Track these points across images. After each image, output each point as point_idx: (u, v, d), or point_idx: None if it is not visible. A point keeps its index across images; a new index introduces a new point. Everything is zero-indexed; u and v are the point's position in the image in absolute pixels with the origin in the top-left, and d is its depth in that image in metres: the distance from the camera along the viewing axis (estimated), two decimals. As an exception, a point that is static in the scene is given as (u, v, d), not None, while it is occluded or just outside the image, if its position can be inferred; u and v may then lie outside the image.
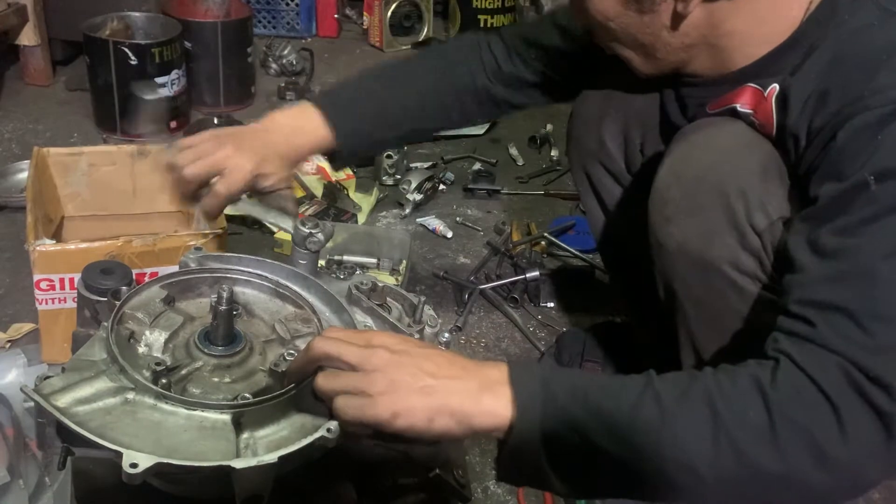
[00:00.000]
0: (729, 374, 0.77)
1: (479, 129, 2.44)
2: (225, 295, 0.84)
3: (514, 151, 2.35)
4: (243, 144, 1.09)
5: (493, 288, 1.71)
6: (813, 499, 0.77)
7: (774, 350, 0.78)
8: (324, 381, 0.78)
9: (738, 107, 0.99)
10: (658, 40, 1.00)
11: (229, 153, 1.07)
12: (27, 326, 1.48)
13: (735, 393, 0.74)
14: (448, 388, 0.76)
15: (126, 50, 2.15)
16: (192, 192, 1.08)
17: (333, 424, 0.79)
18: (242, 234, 1.83)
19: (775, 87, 0.95)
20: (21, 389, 0.75)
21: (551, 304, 1.70)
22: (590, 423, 0.75)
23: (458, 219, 2.00)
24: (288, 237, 1.07)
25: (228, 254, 1.02)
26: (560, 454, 0.76)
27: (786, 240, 0.88)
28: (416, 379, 0.75)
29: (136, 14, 2.38)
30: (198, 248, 1.00)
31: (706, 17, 0.96)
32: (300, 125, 1.17)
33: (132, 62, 2.16)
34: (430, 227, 1.94)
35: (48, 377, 0.78)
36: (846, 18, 0.90)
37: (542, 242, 1.88)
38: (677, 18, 0.97)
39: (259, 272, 0.98)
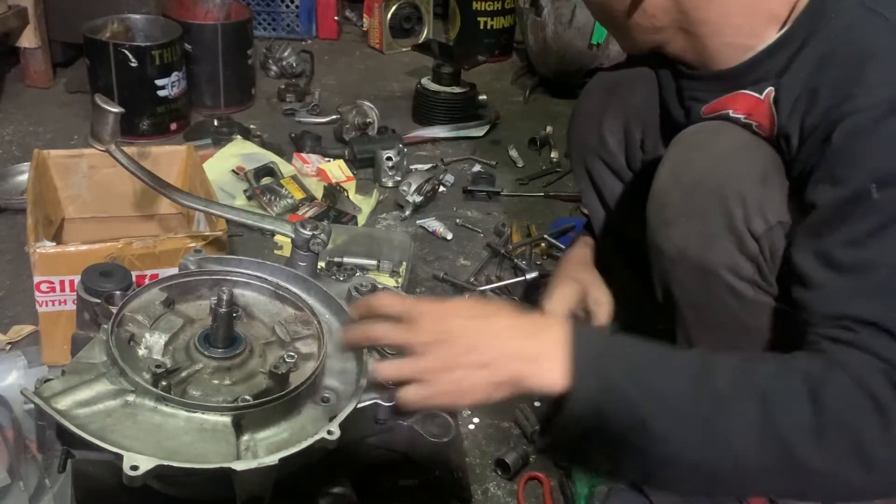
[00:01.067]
0: (781, 370, 0.78)
1: (479, 131, 2.45)
2: (225, 297, 0.84)
3: (514, 153, 2.35)
4: None
5: (493, 290, 1.70)
6: (850, 496, 0.79)
7: (819, 351, 0.80)
8: (383, 372, 0.82)
9: (731, 112, 1.00)
10: (626, 21, 1.04)
11: None
12: (27, 328, 1.47)
13: (786, 391, 0.76)
14: (505, 357, 0.78)
15: (126, 52, 2.15)
16: None
17: (333, 426, 0.80)
18: (243, 236, 1.83)
19: (771, 89, 0.95)
20: (21, 392, 0.75)
21: (551, 306, 1.70)
22: (644, 405, 0.76)
23: (458, 220, 2.00)
24: (287, 239, 1.07)
25: (228, 256, 1.03)
26: (608, 434, 0.78)
27: (791, 254, 0.89)
28: (470, 354, 0.78)
29: (137, 16, 2.38)
30: (197, 251, 1.00)
31: (672, 3, 0.99)
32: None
33: (132, 64, 2.16)
34: (431, 229, 1.94)
35: (48, 380, 0.78)
36: (833, 17, 0.91)
37: (542, 244, 1.88)
38: (635, 2, 1.01)
39: (259, 274, 0.98)
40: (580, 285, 1.27)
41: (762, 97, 0.96)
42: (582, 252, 1.35)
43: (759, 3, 0.96)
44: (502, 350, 0.79)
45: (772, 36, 0.96)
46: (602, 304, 1.25)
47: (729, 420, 0.76)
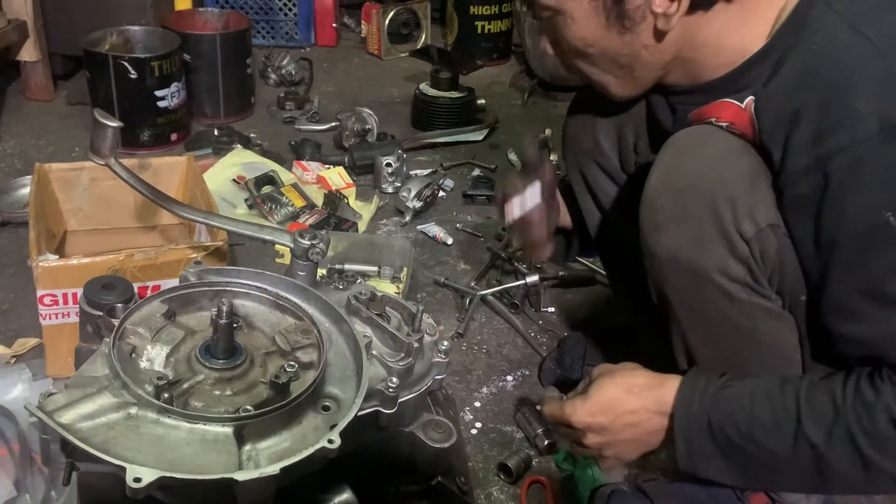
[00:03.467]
0: (865, 408, 0.91)
1: (478, 135, 2.46)
2: (225, 308, 0.85)
3: (513, 157, 2.36)
4: None
5: (493, 294, 1.71)
6: None
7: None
8: (579, 451, 1.12)
9: (714, 121, 1.00)
10: (636, 60, 1.04)
11: None
12: (31, 341, 1.49)
13: (874, 429, 0.90)
14: (637, 441, 1.06)
15: (125, 64, 2.17)
16: None
17: (334, 435, 0.80)
18: (245, 245, 1.84)
19: (752, 98, 0.96)
20: (25, 407, 0.76)
21: (552, 309, 1.71)
22: (752, 458, 0.98)
23: (458, 225, 2.01)
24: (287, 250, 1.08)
25: (228, 267, 1.03)
26: (714, 472, 1.01)
27: (825, 288, 0.95)
28: (620, 447, 1.06)
29: (136, 28, 2.40)
30: (198, 262, 1.01)
31: (682, 30, 0.99)
32: None
33: (132, 76, 2.18)
34: (431, 234, 1.95)
35: (52, 394, 0.79)
36: (815, 30, 0.92)
37: (543, 247, 1.88)
38: (658, 35, 1.00)
39: (259, 284, 0.98)
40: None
41: (743, 106, 0.97)
42: None
43: (749, 20, 0.98)
44: (637, 439, 1.06)
45: (756, 48, 0.98)
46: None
47: (830, 468, 0.93)
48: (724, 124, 1.00)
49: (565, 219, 1.39)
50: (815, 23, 0.92)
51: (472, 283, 1.76)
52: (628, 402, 1.03)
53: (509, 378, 1.50)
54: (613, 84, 1.10)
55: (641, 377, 1.05)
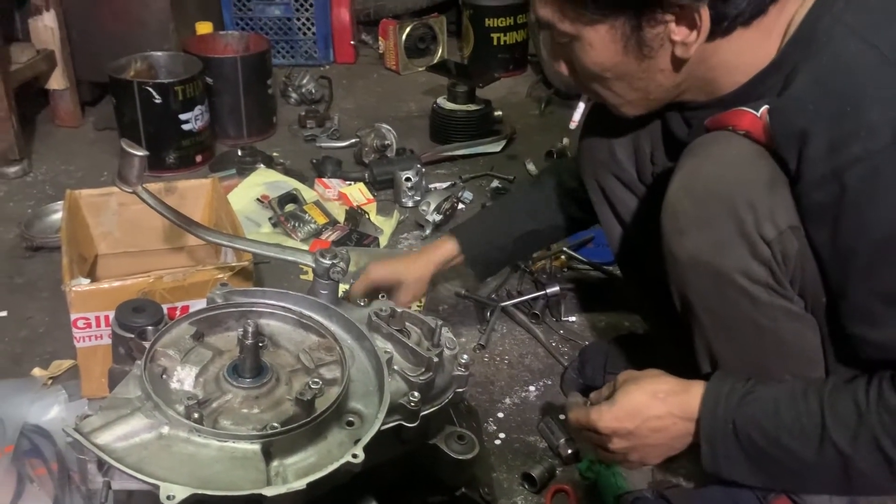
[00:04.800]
0: (889, 412, 0.93)
1: (496, 147, 2.48)
2: (251, 329, 0.88)
3: (531, 167, 2.38)
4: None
5: (514, 304, 1.73)
6: None
7: None
8: (604, 456, 1.13)
9: (732, 129, 1.02)
10: (651, 83, 1.05)
11: None
12: (67, 363, 1.53)
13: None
14: (663, 445, 1.08)
15: (150, 89, 2.22)
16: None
17: (358, 449, 0.83)
18: (270, 263, 1.88)
19: (766, 107, 0.97)
20: (63, 429, 0.80)
21: (573, 319, 1.72)
22: (777, 462, 1.00)
23: (478, 237, 2.03)
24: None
25: (253, 288, 1.07)
26: (739, 475, 1.04)
27: (843, 292, 0.97)
28: (645, 452, 1.08)
29: (159, 53, 2.46)
30: (224, 284, 1.04)
31: (700, 55, 1.00)
32: (434, 246, 1.54)
33: (156, 100, 2.24)
34: (451, 247, 1.97)
35: (88, 416, 0.82)
36: (824, 43, 0.93)
37: (562, 256, 1.90)
38: (676, 62, 1.01)
39: (282, 304, 1.02)
40: (396, 264, 1.49)
41: (758, 115, 0.98)
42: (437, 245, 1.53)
43: (764, 38, 0.99)
44: (663, 443, 1.07)
45: (767, 61, 1.00)
46: (403, 287, 1.46)
47: (856, 471, 0.95)
48: (741, 133, 1.01)
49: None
50: (825, 35, 0.94)
51: (493, 295, 1.78)
52: (654, 408, 1.05)
53: (532, 388, 1.52)
54: (627, 105, 1.12)
55: (666, 383, 1.07)
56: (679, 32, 0.97)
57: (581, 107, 1.27)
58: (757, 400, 1.00)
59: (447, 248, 1.51)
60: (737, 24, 0.98)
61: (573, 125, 1.29)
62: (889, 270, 0.91)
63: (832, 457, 0.95)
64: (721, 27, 0.97)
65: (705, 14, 0.95)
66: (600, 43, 1.01)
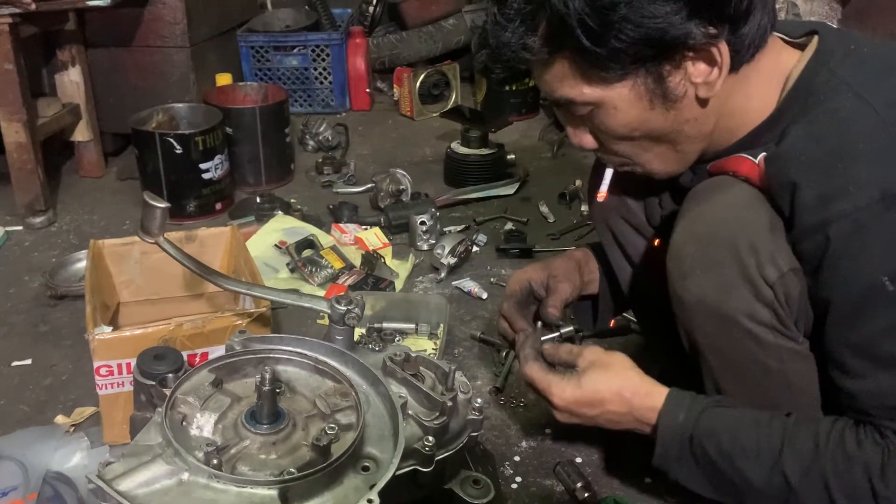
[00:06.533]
0: (844, 458, 0.95)
1: (510, 189, 2.51)
2: (268, 376, 0.90)
3: (544, 209, 2.41)
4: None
5: (529, 346, 1.73)
6: None
7: (879, 438, 0.95)
8: (561, 418, 1.19)
9: (733, 174, 1.04)
10: (681, 135, 1.07)
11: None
12: (89, 410, 1.55)
13: (849, 479, 0.95)
14: (609, 428, 1.15)
15: (171, 140, 2.29)
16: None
17: (373, 494, 0.84)
18: (287, 308, 1.90)
19: (764, 154, 1.00)
20: (86, 476, 0.82)
21: (588, 360, 1.72)
22: (725, 477, 1.03)
23: (492, 279, 2.05)
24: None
25: (270, 335, 1.09)
26: (685, 478, 1.08)
27: (825, 342, 1.00)
28: (591, 424, 1.16)
29: (180, 105, 2.54)
30: (242, 332, 1.07)
31: (719, 97, 1.03)
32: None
33: (177, 151, 2.30)
34: (466, 290, 1.99)
35: (110, 463, 0.84)
36: (821, 99, 0.97)
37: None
38: (702, 104, 1.04)
39: (299, 350, 1.04)
40: (547, 266, 1.44)
41: (757, 161, 1.01)
42: (571, 253, 1.50)
43: (766, 83, 1.04)
44: (614, 423, 1.14)
45: (767, 113, 1.04)
46: (560, 281, 1.41)
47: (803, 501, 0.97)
48: (742, 178, 1.04)
49: (592, 286, 1.44)
50: (822, 90, 0.97)
51: (509, 337, 1.79)
52: (617, 404, 1.12)
53: (548, 431, 1.52)
54: (655, 162, 1.12)
55: (633, 382, 1.12)
56: (698, 74, 1.00)
57: (608, 174, 1.27)
58: (720, 415, 1.04)
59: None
60: (746, 57, 1.01)
61: (601, 197, 1.29)
62: (863, 323, 0.93)
63: (779, 486, 0.99)
64: (737, 61, 1.00)
65: (724, 49, 0.97)
66: (625, 103, 1.02)
